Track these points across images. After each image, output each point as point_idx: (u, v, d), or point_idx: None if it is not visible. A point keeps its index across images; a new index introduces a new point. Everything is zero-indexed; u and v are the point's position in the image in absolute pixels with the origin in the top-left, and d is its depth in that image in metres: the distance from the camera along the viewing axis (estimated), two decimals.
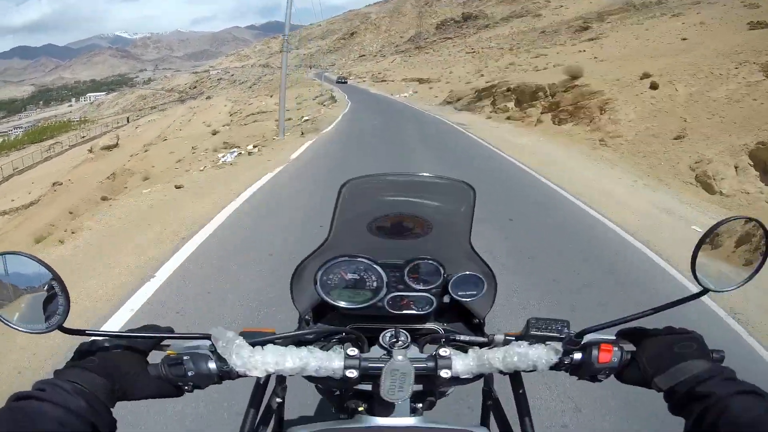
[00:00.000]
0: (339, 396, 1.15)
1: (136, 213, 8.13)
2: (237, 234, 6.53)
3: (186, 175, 12.60)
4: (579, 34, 60.95)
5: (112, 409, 0.83)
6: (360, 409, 1.05)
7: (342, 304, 1.17)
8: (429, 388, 1.06)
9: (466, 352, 1.03)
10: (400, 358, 0.95)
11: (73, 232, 7.50)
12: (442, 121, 24.52)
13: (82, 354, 0.88)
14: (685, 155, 11.99)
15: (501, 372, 1.01)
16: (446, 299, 1.22)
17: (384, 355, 1.04)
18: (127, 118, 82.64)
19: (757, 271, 0.94)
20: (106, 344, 0.90)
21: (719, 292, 0.98)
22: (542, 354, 0.98)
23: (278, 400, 1.27)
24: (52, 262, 0.91)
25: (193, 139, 27.95)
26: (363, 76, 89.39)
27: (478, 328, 1.26)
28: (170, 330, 0.97)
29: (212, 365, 0.93)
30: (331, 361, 0.95)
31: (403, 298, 1.19)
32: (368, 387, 1.01)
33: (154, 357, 0.94)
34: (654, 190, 10.26)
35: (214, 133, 27.88)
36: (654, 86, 16.64)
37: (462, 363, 0.99)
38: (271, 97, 48.17)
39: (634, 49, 33.05)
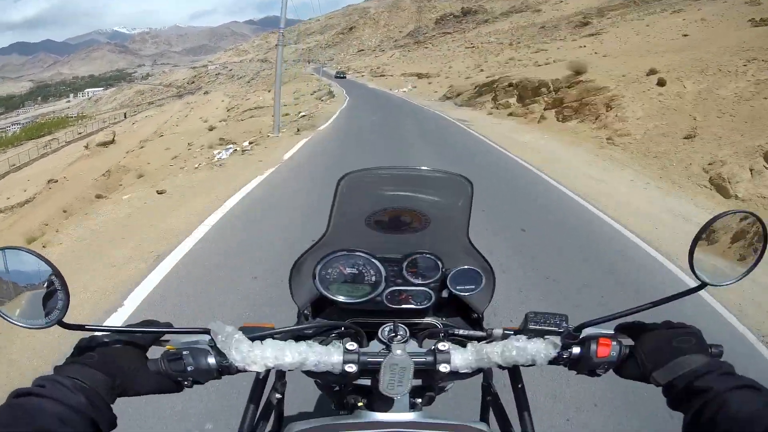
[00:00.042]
0: (338, 392, 1.16)
1: (112, 224, 7.38)
2: (217, 252, 5.83)
3: (170, 179, 11.21)
4: (579, 29, 60.95)
5: (112, 405, 0.82)
6: (359, 404, 1.06)
7: (341, 298, 1.17)
8: (428, 383, 1.07)
9: (464, 346, 1.02)
10: (399, 352, 0.94)
11: (44, 246, 6.89)
12: (442, 117, 23.75)
13: (81, 350, 0.88)
14: (697, 156, 11.51)
15: (500, 366, 1.01)
16: (445, 294, 1.22)
17: (383, 349, 1.03)
18: (124, 113, 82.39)
19: (755, 265, 0.95)
20: (106, 340, 0.90)
21: (717, 286, 0.99)
22: (541, 348, 0.98)
23: (278, 395, 1.26)
24: None
25: (190, 134, 27.50)
26: (361, 71, 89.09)
27: (476, 323, 1.26)
28: (169, 325, 0.96)
29: (211, 360, 0.93)
30: (330, 355, 0.95)
31: (401, 292, 1.19)
32: (367, 382, 1.01)
33: (153, 352, 0.94)
34: (668, 194, 9.85)
35: (211, 128, 27.48)
36: (661, 83, 16.05)
37: (461, 357, 0.99)
38: (269, 92, 47.69)
39: (634, 44, 32.99)
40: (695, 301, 4.73)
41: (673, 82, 15.80)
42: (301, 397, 1.95)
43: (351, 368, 0.95)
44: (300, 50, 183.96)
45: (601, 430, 3.02)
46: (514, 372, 1.14)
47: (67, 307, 0.81)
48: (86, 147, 37.36)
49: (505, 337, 1.07)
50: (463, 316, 1.29)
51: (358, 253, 1.14)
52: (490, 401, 1.30)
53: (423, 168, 1.08)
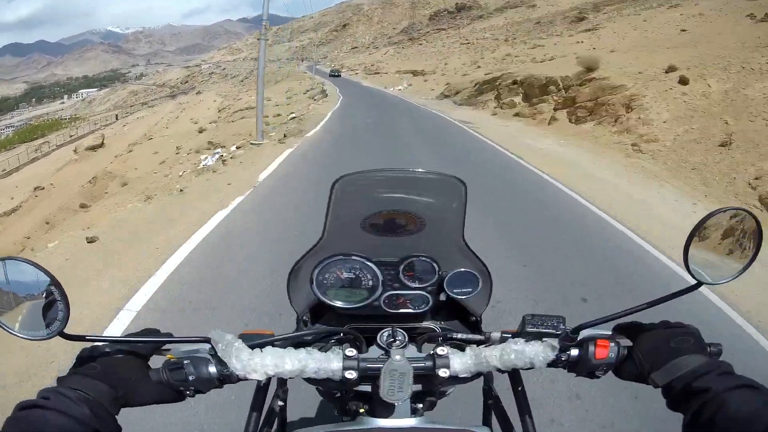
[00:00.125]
0: (340, 398, 1.15)
1: None
2: None
3: (115, 214, 8.82)
4: (575, 24, 61.20)
5: (117, 416, 0.83)
6: (361, 410, 1.06)
7: (338, 303, 1.17)
8: (428, 388, 1.06)
9: (463, 350, 1.02)
10: (398, 357, 0.95)
11: None
12: (443, 119, 21.93)
13: (83, 360, 0.88)
14: (739, 168, 10.36)
15: (499, 370, 1.00)
16: (442, 297, 1.21)
17: (382, 355, 1.04)
18: (116, 115, 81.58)
19: (750, 262, 0.95)
20: (107, 350, 0.90)
21: (713, 284, 0.98)
22: (539, 351, 0.98)
23: (280, 402, 1.28)
24: None
25: (179, 137, 27.19)
26: (355, 68, 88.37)
27: (474, 326, 1.25)
28: (170, 334, 0.96)
29: (212, 369, 0.92)
30: (330, 362, 0.95)
31: (399, 296, 1.19)
32: (368, 388, 1.00)
33: (154, 362, 0.95)
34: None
35: (201, 131, 27.05)
36: (684, 81, 14.91)
37: (460, 362, 0.99)
38: None
39: (633, 40, 32.91)
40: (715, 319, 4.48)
41: (696, 81, 14.77)
42: (304, 403, 1.89)
43: (351, 375, 0.94)
44: (293, 48, 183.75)
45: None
46: (514, 375, 1.12)
47: (68, 318, 0.81)
48: (75, 151, 36.85)
49: (503, 340, 1.07)
50: (461, 319, 1.28)
51: (354, 257, 1.14)
52: (491, 404, 1.30)
53: (416, 170, 1.09)
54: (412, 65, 65.17)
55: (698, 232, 0.94)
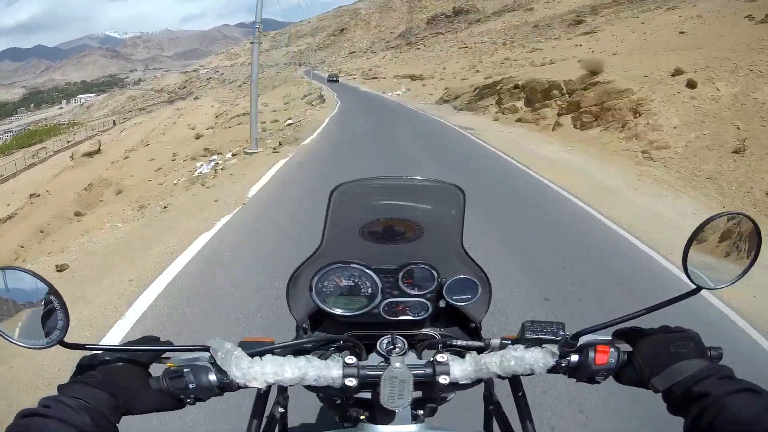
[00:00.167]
0: (340, 405, 1.15)
1: None
2: None
3: (81, 240, 7.78)
4: (573, 27, 61.44)
5: (117, 424, 0.84)
6: (362, 417, 1.06)
7: (338, 311, 1.16)
8: (428, 395, 1.07)
9: (463, 357, 1.02)
10: (397, 365, 0.95)
11: None
12: (443, 125, 21.54)
13: (83, 369, 0.89)
14: (755, 176, 9.92)
15: (499, 376, 1.00)
16: (441, 304, 1.20)
17: (382, 362, 1.03)
18: (114, 120, 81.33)
19: (749, 267, 0.96)
20: (107, 358, 0.90)
21: (712, 289, 1.00)
22: (539, 357, 0.98)
23: (281, 409, 1.28)
24: None
25: (176, 143, 27.10)
26: (353, 73, 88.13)
27: (474, 333, 1.25)
28: (169, 343, 0.97)
29: (213, 377, 0.93)
30: (330, 370, 0.95)
31: (398, 304, 1.19)
32: (368, 395, 1.01)
33: (154, 370, 0.95)
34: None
35: (198, 137, 26.97)
36: (691, 85, 14.56)
37: (460, 368, 0.99)
38: (258, 96, 47.05)
39: (632, 42, 32.94)
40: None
41: (705, 84, 14.43)
42: (304, 410, 1.88)
43: (351, 382, 0.94)
44: (291, 53, 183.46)
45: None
46: (515, 381, 1.12)
47: (67, 327, 0.82)
48: (71, 157, 36.65)
49: (502, 346, 1.07)
50: (460, 325, 1.28)
51: (353, 265, 1.14)
52: (492, 410, 1.30)
53: (414, 177, 1.09)
54: (410, 70, 64.94)
55: (697, 236, 0.95)
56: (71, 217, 17.45)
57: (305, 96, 40.18)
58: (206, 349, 0.94)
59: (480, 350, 1.10)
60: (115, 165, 26.96)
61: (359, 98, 41.35)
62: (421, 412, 1.12)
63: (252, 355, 0.95)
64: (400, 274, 1.17)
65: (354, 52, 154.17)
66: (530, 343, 1.00)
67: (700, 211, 8.76)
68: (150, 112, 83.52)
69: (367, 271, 1.15)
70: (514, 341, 1.03)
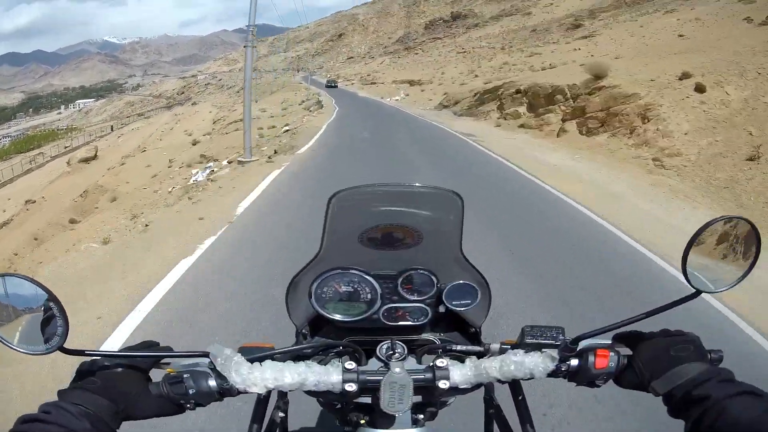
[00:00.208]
0: (341, 409, 1.16)
1: None
2: None
3: (51, 265, 7.10)
4: (571, 32, 61.55)
5: (117, 430, 0.85)
6: (362, 421, 1.06)
7: (337, 317, 1.17)
8: (429, 399, 1.06)
9: (463, 361, 1.04)
10: (397, 370, 0.96)
11: None
12: (443, 131, 20.80)
13: (83, 374, 0.89)
14: None
15: (499, 381, 1.01)
16: (441, 309, 1.21)
17: (381, 367, 1.03)
18: (111, 126, 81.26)
19: (749, 270, 0.96)
20: (107, 364, 0.91)
21: (712, 293, 1.00)
22: (538, 362, 0.98)
23: (281, 414, 1.27)
24: None
25: (173, 149, 27.05)
26: (351, 78, 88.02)
27: (474, 338, 1.25)
28: (169, 348, 0.98)
29: (212, 383, 0.93)
30: (330, 375, 0.96)
31: (398, 309, 1.19)
32: (368, 400, 1.01)
33: (154, 375, 0.95)
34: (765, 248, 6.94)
35: (195, 143, 26.98)
36: (700, 89, 14.20)
37: (459, 373, 1.00)
38: (256, 101, 46.93)
39: (631, 45, 33.04)
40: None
41: (713, 88, 14.09)
42: (305, 414, 1.80)
43: (351, 387, 0.95)
44: (289, 58, 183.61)
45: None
46: (515, 385, 1.14)
47: (67, 333, 0.82)
48: (68, 163, 36.55)
49: (502, 351, 1.07)
50: (460, 330, 1.28)
51: (352, 271, 1.14)
52: (492, 414, 1.30)
53: (412, 184, 1.10)
54: (408, 75, 64.86)
55: (696, 240, 0.95)
56: (66, 224, 17.28)
57: (303, 102, 40.14)
58: (206, 354, 0.94)
59: (480, 355, 1.11)
60: (111, 171, 26.92)
61: (357, 104, 41.07)
62: (422, 416, 1.11)
63: (251, 361, 0.95)
64: (400, 280, 1.16)
65: (352, 58, 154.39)
66: (530, 348, 1.00)
67: None
68: (148, 118, 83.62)
69: (367, 276, 1.15)
70: (514, 346, 1.04)
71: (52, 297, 0.82)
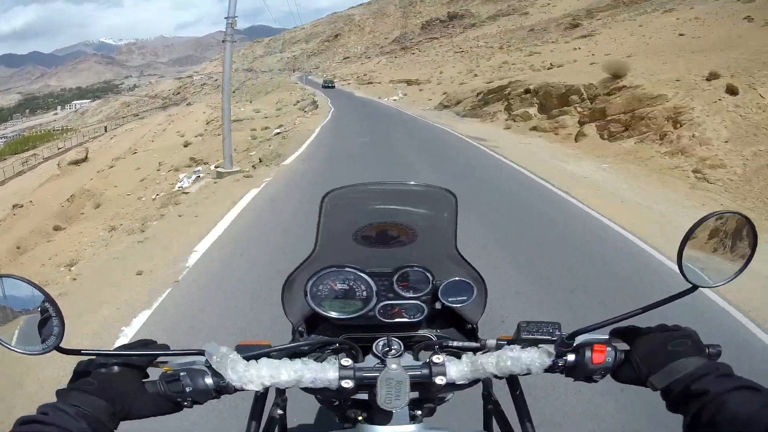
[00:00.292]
0: (339, 406, 1.16)
1: None
2: None
3: None
4: (570, 31, 61.90)
5: (115, 430, 0.85)
6: (360, 418, 1.06)
7: (333, 314, 1.17)
8: (426, 396, 1.06)
9: (459, 357, 1.03)
10: (394, 366, 0.96)
11: None
12: (451, 135, 18.94)
13: (80, 374, 0.90)
14: None
15: (496, 376, 1.02)
16: (437, 306, 1.21)
17: (378, 364, 1.04)
18: (105, 127, 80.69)
19: (745, 265, 0.96)
20: (104, 363, 0.91)
21: (708, 288, 1.00)
22: (535, 357, 0.98)
23: (279, 411, 1.28)
24: None
25: (164, 151, 26.72)
26: (348, 78, 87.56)
27: (471, 334, 1.25)
28: (165, 347, 0.98)
29: (209, 380, 0.93)
30: (326, 372, 0.96)
31: (393, 306, 1.20)
32: (365, 396, 1.00)
33: (151, 374, 0.96)
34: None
35: (186, 144, 26.61)
36: (732, 90, 13.01)
37: (456, 369, 1.00)
38: (251, 102, 46.43)
39: (631, 45, 32.69)
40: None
41: (746, 91, 12.99)
42: (304, 411, 1.86)
43: (347, 384, 0.95)
44: (285, 59, 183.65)
45: None
46: (512, 380, 1.14)
47: (63, 333, 0.83)
48: (58, 165, 36.09)
49: (499, 347, 1.07)
50: (457, 327, 1.28)
51: (347, 269, 1.15)
52: (491, 409, 1.30)
53: (404, 182, 1.13)
54: (405, 74, 64.26)
55: (692, 235, 0.95)
56: (50, 231, 17.09)
57: (298, 102, 39.61)
58: (202, 352, 0.94)
59: (476, 351, 1.09)
60: (100, 174, 26.58)
61: (354, 103, 40.22)
62: (419, 412, 1.10)
63: (248, 359, 0.95)
64: (395, 277, 1.16)
65: (348, 58, 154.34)
66: (526, 344, 1.00)
67: None
68: (142, 119, 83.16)
69: (362, 274, 1.15)
70: (510, 342, 1.04)
71: (48, 298, 0.82)
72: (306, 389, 1.00)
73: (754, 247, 0.94)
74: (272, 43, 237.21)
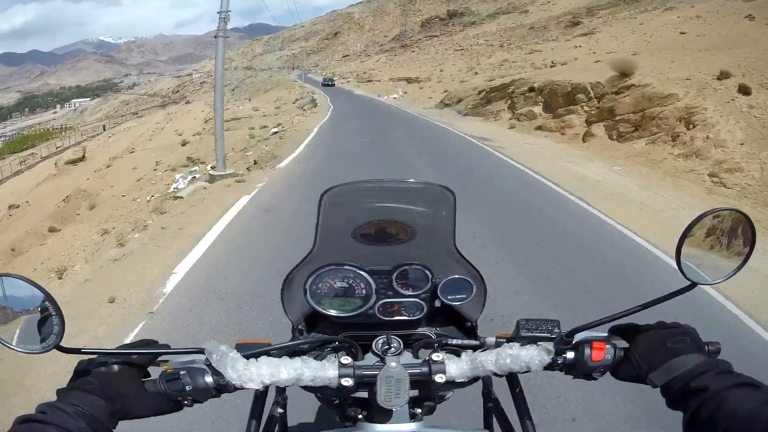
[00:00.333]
0: (339, 404, 1.16)
1: None
2: None
3: None
4: (570, 29, 61.92)
5: (114, 430, 0.85)
6: (360, 416, 1.06)
7: (333, 312, 1.17)
8: (426, 394, 1.07)
9: (459, 355, 1.03)
10: (393, 364, 0.96)
11: None
12: (453, 134, 18.27)
13: (81, 374, 0.90)
14: None
15: (495, 374, 1.02)
16: (437, 304, 1.21)
17: (377, 362, 1.04)
18: (103, 126, 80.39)
19: (744, 262, 0.95)
20: (104, 362, 0.91)
21: (707, 285, 0.99)
22: (534, 355, 0.98)
23: (280, 410, 1.28)
24: None
25: (162, 150, 26.53)
26: (347, 76, 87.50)
27: (470, 331, 1.25)
28: (165, 346, 0.98)
29: (209, 379, 0.94)
30: (326, 370, 0.96)
31: (393, 304, 1.20)
32: (365, 395, 1.01)
33: (151, 373, 0.96)
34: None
35: (184, 143, 26.46)
36: (744, 90, 12.64)
37: (456, 367, 1.00)
38: (249, 100, 46.23)
39: (632, 43, 32.55)
40: None
41: (758, 90, 12.65)
42: (305, 409, 1.78)
43: (347, 382, 0.95)
44: (284, 57, 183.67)
45: None
46: (512, 378, 1.14)
47: (63, 332, 0.83)
48: (56, 165, 35.85)
49: (498, 344, 1.06)
50: (456, 325, 1.27)
51: (347, 267, 1.15)
52: (491, 407, 1.30)
53: (403, 180, 1.12)
54: (405, 72, 64.03)
55: (690, 232, 0.95)
56: (45, 233, 16.95)
57: (297, 100, 39.37)
58: (201, 351, 0.94)
59: (476, 349, 1.09)
60: (97, 174, 26.36)
61: (353, 102, 39.79)
62: (420, 410, 1.11)
63: (247, 357, 0.94)
64: (394, 275, 1.16)
65: (348, 56, 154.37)
66: (525, 341, 1.00)
67: None
68: (141, 117, 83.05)
69: (361, 272, 1.15)
70: (510, 339, 1.03)
71: (48, 297, 0.82)
72: (306, 388, 1.00)
73: (752, 244, 0.94)
74: (272, 41, 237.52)
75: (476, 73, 42.89)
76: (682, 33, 29.61)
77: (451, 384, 1.01)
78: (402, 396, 0.94)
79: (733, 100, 12.70)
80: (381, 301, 1.18)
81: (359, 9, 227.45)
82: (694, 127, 12.56)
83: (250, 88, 69.57)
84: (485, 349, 1.05)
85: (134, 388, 0.90)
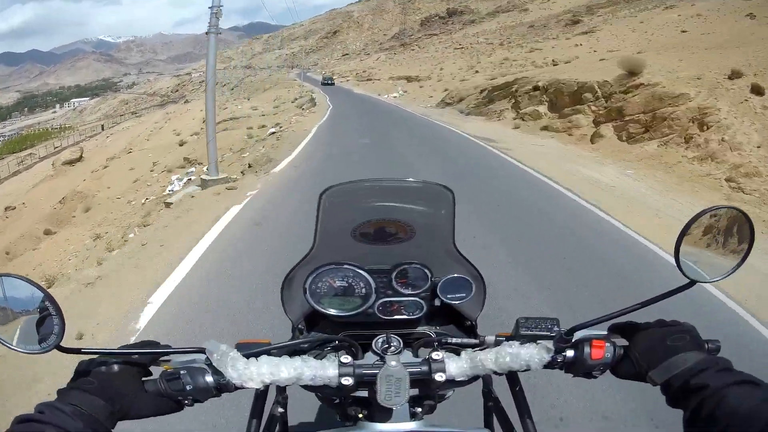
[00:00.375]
0: (339, 404, 1.16)
1: None
2: None
3: None
4: (570, 27, 62.02)
5: (112, 430, 0.85)
6: (360, 415, 1.06)
7: (332, 312, 1.18)
8: (426, 392, 1.07)
9: (459, 354, 1.04)
10: (393, 363, 0.96)
11: None
12: (457, 134, 17.66)
13: (81, 374, 0.90)
14: None
15: (495, 373, 1.02)
16: (436, 303, 1.22)
17: (377, 361, 1.04)
18: (102, 125, 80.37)
19: (743, 260, 0.95)
20: (105, 362, 0.91)
21: (706, 283, 0.99)
22: (534, 353, 0.99)
23: (280, 409, 1.28)
24: None
25: (160, 150, 26.47)
26: (346, 75, 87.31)
27: (470, 330, 1.26)
28: (166, 346, 0.98)
29: (209, 378, 0.94)
30: (326, 369, 0.96)
31: (392, 303, 1.20)
32: (365, 394, 1.01)
33: (152, 373, 0.96)
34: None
35: (182, 143, 26.34)
36: (758, 90, 12.31)
37: (455, 366, 1.01)
38: (248, 99, 46.08)
39: (633, 41, 32.47)
40: None
41: None
42: (305, 409, 1.79)
43: (347, 381, 0.95)
44: (284, 56, 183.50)
45: None
46: (512, 377, 1.14)
47: (63, 332, 0.83)
48: (53, 165, 35.71)
49: (497, 343, 1.07)
50: (456, 323, 1.28)
51: (346, 266, 1.15)
52: (491, 406, 1.30)
53: (401, 179, 1.12)
54: (405, 71, 63.80)
55: (689, 230, 0.95)
56: (40, 236, 16.85)
57: (296, 99, 39.07)
58: (202, 350, 0.94)
59: (476, 347, 1.10)
60: (94, 174, 26.23)
61: (353, 101, 39.42)
62: (420, 409, 1.10)
63: (248, 356, 0.95)
64: (394, 274, 1.17)
65: (347, 54, 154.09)
66: (525, 340, 1.00)
67: None
68: (140, 116, 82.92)
69: (360, 271, 1.16)
70: (509, 338, 1.04)
71: (48, 297, 0.81)
72: (306, 387, 0.99)
73: (751, 242, 0.93)
74: (271, 40, 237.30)
75: (477, 72, 42.83)
76: (683, 31, 29.68)
77: (451, 383, 1.01)
78: (402, 395, 0.94)
79: (746, 100, 12.36)
80: (381, 300, 1.18)
81: (358, 7, 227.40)
82: (707, 128, 12.16)
83: (249, 87, 69.45)
84: (485, 348, 1.06)
85: (135, 388, 0.89)
